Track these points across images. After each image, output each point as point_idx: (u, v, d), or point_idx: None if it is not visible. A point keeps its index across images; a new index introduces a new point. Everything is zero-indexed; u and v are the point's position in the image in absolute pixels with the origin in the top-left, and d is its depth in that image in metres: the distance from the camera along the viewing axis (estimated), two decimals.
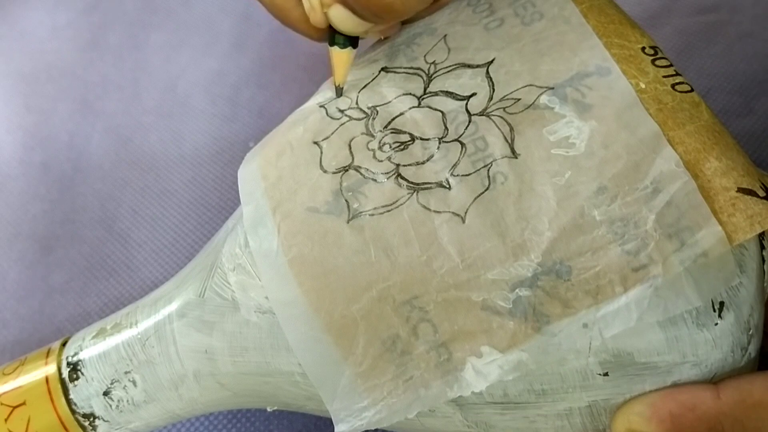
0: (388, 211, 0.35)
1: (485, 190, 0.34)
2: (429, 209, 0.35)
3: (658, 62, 0.37)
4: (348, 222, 0.36)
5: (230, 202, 0.65)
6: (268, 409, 0.42)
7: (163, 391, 0.40)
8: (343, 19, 0.37)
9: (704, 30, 0.67)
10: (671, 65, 0.37)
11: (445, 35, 0.40)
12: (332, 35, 0.39)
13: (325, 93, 0.41)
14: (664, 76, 0.36)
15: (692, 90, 0.36)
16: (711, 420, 0.32)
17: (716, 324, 0.33)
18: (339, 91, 0.40)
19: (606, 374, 0.33)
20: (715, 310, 0.33)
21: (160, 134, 0.71)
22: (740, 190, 0.32)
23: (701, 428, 0.32)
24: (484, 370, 0.32)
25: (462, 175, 0.35)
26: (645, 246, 0.31)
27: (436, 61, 0.39)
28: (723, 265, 0.32)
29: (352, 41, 0.39)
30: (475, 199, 0.34)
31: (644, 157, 0.33)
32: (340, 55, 0.40)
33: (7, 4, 0.84)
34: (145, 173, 0.68)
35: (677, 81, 0.36)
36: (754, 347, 0.35)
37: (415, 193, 0.35)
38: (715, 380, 0.34)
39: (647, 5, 0.69)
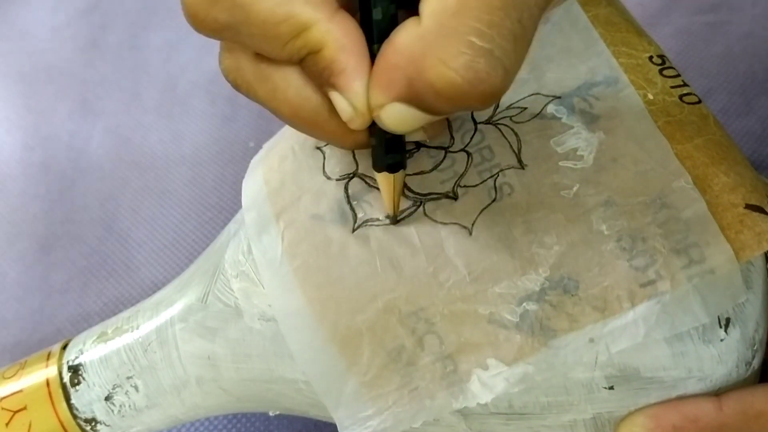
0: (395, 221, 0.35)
1: (492, 202, 0.34)
2: (435, 220, 0.35)
3: (665, 72, 0.36)
4: (353, 231, 0.35)
5: (230, 202, 0.65)
6: (271, 413, 0.42)
7: (165, 397, 0.40)
8: (402, 118, 0.29)
9: (704, 30, 0.67)
10: (678, 75, 0.37)
11: None
12: (380, 157, 0.33)
13: None
14: (672, 87, 0.36)
15: (700, 101, 0.36)
16: (714, 431, 0.32)
17: (722, 340, 0.33)
18: (394, 220, 0.35)
19: (611, 388, 0.33)
20: (721, 326, 0.33)
21: (160, 134, 0.70)
22: (748, 206, 0.32)
23: None
24: (489, 382, 0.32)
25: (468, 186, 0.35)
26: (653, 262, 0.31)
27: None
28: (730, 282, 0.32)
29: (401, 163, 0.34)
30: (482, 210, 0.34)
31: (653, 172, 0.33)
32: (390, 179, 0.34)
33: (7, 4, 0.84)
34: (145, 173, 0.68)
35: (685, 92, 0.36)
36: (757, 361, 0.35)
37: (421, 204, 0.35)
38: (718, 394, 0.34)
39: (647, 5, 0.69)
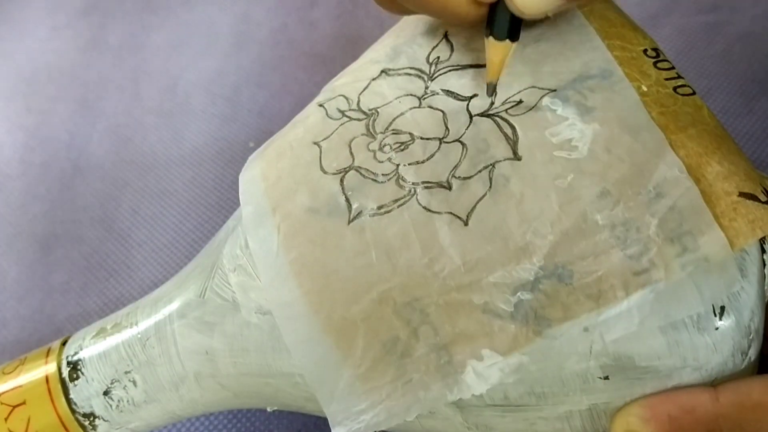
0: (389, 212, 0.35)
1: (487, 192, 0.34)
2: (430, 210, 0.35)
3: (660, 65, 0.37)
4: (349, 223, 0.35)
5: (230, 202, 0.65)
6: (268, 410, 0.42)
7: (163, 392, 0.40)
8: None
9: (704, 30, 0.67)
10: (673, 68, 0.37)
11: (446, 34, 0.40)
12: (492, 21, 0.35)
13: (325, 93, 0.41)
14: (666, 79, 0.36)
15: (694, 93, 0.36)
16: (709, 422, 0.32)
17: (717, 328, 0.33)
18: (491, 90, 0.36)
19: (606, 378, 0.33)
20: (716, 315, 0.33)
21: (160, 134, 0.71)
22: (742, 194, 0.32)
23: (699, 430, 0.32)
24: (484, 373, 0.32)
25: (463, 177, 0.35)
26: (647, 251, 0.31)
27: (438, 60, 0.39)
28: (724, 270, 0.32)
29: (513, 33, 0.35)
30: (478, 201, 0.34)
31: (647, 162, 0.33)
32: (498, 48, 0.35)
33: (7, 4, 0.84)
34: (145, 173, 0.68)
35: (679, 84, 0.36)
36: (754, 351, 0.35)
37: (415, 194, 0.35)
38: (715, 384, 0.34)
39: (647, 5, 0.70)
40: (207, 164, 0.68)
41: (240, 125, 0.70)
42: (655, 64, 0.36)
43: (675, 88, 0.36)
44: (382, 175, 0.36)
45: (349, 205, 0.36)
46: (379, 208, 0.35)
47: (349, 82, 0.41)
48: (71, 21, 0.82)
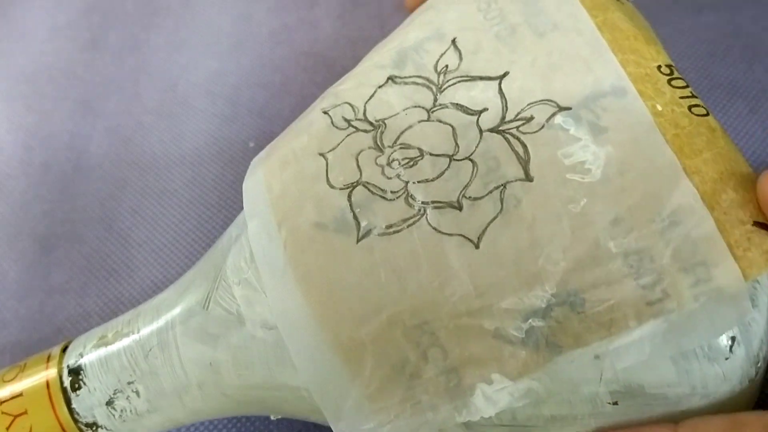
0: (398, 231, 0.35)
1: (498, 214, 0.34)
2: (440, 232, 0.34)
3: (674, 82, 0.36)
4: (357, 242, 0.35)
5: (230, 201, 0.64)
6: (272, 417, 0.42)
7: (166, 401, 0.40)
8: None
9: (704, 30, 0.67)
10: (687, 86, 0.36)
11: (455, 40, 0.40)
12: None
13: (329, 98, 0.41)
14: (681, 98, 0.35)
15: (708, 114, 0.35)
16: None
17: (727, 359, 0.33)
18: None
19: (615, 403, 0.33)
20: (726, 345, 0.33)
21: (160, 134, 0.70)
22: (756, 224, 0.32)
23: None
24: (493, 397, 0.32)
25: (474, 198, 0.35)
26: (660, 280, 0.31)
27: (446, 70, 0.39)
28: (737, 301, 0.32)
29: None
30: (489, 223, 0.34)
31: (661, 189, 0.32)
32: None
33: (7, 4, 0.83)
34: (145, 173, 0.68)
35: (693, 103, 0.35)
36: (760, 376, 0.35)
37: (425, 214, 0.35)
38: (722, 410, 0.33)
39: (647, 5, 0.69)
40: (207, 164, 0.67)
41: (240, 125, 0.69)
42: (669, 81, 0.36)
43: (690, 108, 0.35)
44: (391, 192, 0.36)
45: (358, 223, 0.35)
46: (388, 227, 0.35)
47: (353, 87, 0.40)
48: (71, 21, 0.81)
